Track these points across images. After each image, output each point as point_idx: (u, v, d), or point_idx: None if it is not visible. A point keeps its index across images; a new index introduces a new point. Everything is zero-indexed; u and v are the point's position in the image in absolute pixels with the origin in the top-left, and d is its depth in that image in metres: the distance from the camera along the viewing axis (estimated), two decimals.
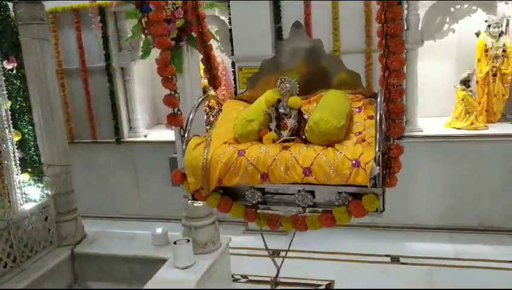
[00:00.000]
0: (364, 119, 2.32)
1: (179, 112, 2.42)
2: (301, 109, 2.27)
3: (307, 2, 4.81)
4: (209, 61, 2.85)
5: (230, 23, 5.07)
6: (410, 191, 4.78)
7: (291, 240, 2.45)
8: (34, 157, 4.13)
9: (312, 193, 2.11)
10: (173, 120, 2.44)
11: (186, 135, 2.35)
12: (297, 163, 2.04)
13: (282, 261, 2.48)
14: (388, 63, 1.92)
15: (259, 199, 2.22)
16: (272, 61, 2.57)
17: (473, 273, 4.13)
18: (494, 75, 4.90)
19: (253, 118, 2.28)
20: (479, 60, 4.97)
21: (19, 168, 3.98)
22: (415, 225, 4.99)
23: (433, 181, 4.88)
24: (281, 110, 2.26)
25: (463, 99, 4.92)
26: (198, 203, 2.51)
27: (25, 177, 4.11)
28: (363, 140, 2.14)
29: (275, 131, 2.25)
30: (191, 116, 2.37)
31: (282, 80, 2.27)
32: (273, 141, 2.19)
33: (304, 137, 2.19)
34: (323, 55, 2.51)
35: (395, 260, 4.51)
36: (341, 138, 2.15)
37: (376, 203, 1.96)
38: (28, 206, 3.97)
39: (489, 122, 4.98)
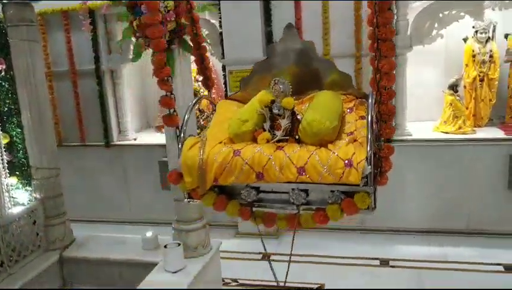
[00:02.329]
0: (356, 120, 2.36)
1: (175, 113, 2.44)
2: (294, 110, 2.31)
3: (297, 6, 4.84)
4: (203, 63, 2.89)
5: (220, 26, 5.08)
6: (399, 195, 4.82)
7: (292, 244, 2.47)
8: (23, 160, 4.09)
9: (306, 191, 2.15)
10: (169, 121, 2.47)
11: (182, 135, 2.38)
12: (291, 163, 2.08)
13: (288, 266, 2.54)
14: (379, 66, 1.98)
15: (254, 198, 2.25)
16: (265, 63, 2.62)
17: (461, 275, 4.18)
18: (482, 80, 4.97)
19: (248, 119, 2.32)
20: (466, 65, 5.04)
21: (7, 171, 3.94)
22: (404, 228, 5.03)
23: (422, 185, 4.93)
24: (275, 111, 2.30)
25: (451, 104, 4.98)
26: (195, 202, 2.48)
27: (13, 180, 4.06)
28: (355, 140, 2.18)
29: (269, 131, 2.29)
30: (186, 117, 2.41)
31: (276, 81, 2.30)
32: (267, 141, 2.23)
33: (297, 137, 2.23)
34: (315, 57, 2.57)
35: (384, 263, 4.54)
36: (333, 138, 2.19)
37: (368, 201, 2.01)
38: (16, 210, 3.92)
39: (476, 127, 5.06)
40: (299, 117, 2.27)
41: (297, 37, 2.59)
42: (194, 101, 2.58)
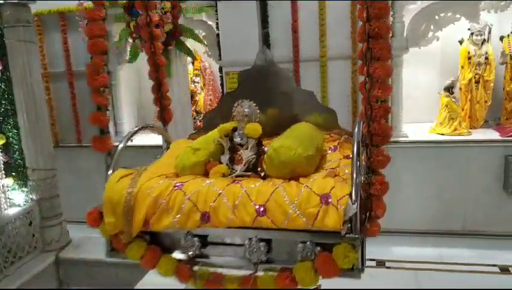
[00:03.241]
0: (340, 159, 1.93)
1: (108, 134, 2.05)
2: (261, 140, 1.87)
3: (294, 7, 4.85)
4: (160, 89, 2.37)
5: (217, 28, 5.08)
6: (395, 196, 4.80)
7: None
8: (19, 161, 4.08)
9: (267, 242, 1.64)
10: (99, 144, 2.02)
11: (112, 167, 1.93)
12: (249, 199, 1.58)
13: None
14: (370, 72, 1.50)
15: (197, 251, 1.73)
16: (233, 94, 2.20)
17: (457, 276, 4.19)
18: (477, 82, 4.99)
19: (200, 147, 1.88)
20: (462, 67, 5.06)
21: (3, 172, 3.93)
22: (400, 229, 5.03)
23: (417, 186, 4.94)
24: (236, 140, 1.86)
25: (447, 106, 5.00)
26: (118, 255, 1.83)
27: (9, 181, 4.05)
28: (336, 175, 1.73)
29: (227, 165, 1.83)
30: (120, 146, 2.02)
31: (240, 102, 1.91)
32: (223, 176, 1.79)
33: (263, 174, 1.77)
34: (294, 88, 2.16)
35: (380, 264, 4.54)
36: (308, 171, 1.72)
37: (352, 257, 1.53)
38: (12, 211, 3.92)
39: (472, 128, 5.08)
40: (266, 149, 1.81)
41: (272, 63, 2.17)
42: (134, 131, 2.19)
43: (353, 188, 1.46)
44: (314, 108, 2.10)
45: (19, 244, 3.84)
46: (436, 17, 4.71)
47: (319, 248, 1.56)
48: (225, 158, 1.84)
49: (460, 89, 5.11)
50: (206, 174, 1.81)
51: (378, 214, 1.57)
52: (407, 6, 4.74)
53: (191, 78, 5.75)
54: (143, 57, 4.31)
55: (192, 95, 5.62)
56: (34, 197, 4.02)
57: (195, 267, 1.76)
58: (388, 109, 1.56)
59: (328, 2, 4.76)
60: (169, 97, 2.45)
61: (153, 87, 2.35)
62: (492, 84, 5.03)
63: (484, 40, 4.96)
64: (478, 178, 4.77)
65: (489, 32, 4.98)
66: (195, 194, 1.64)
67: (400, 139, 4.87)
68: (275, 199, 1.55)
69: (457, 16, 4.67)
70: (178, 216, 1.65)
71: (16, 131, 4.06)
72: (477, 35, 4.92)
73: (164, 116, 2.37)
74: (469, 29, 4.96)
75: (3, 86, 4.01)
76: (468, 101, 5.08)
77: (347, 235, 1.49)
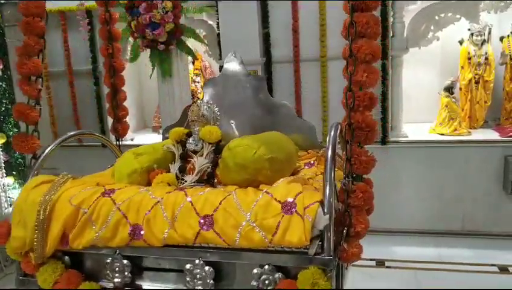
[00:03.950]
0: (316, 174, 1.65)
1: (36, 133, 1.75)
2: (220, 146, 1.57)
3: (294, 6, 4.86)
4: (116, 97, 2.01)
5: (218, 27, 5.09)
6: (395, 196, 4.84)
7: None
8: (19, 160, 4.09)
9: (215, 266, 1.25)
10: (22, 142, 1.68)
11: (34, 171, 1.64)
12: (192, 209, 1.26)
13: None
14: (353, 50, 1.24)
15: (127, 278, 1.37)
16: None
17: (457, 276, 4.20)
18: (477, 82, 5.01)
19: (144, 153, 1.64)
20: (462, 68, 5.07)
21: (4, 171, 3.94)
22: (399, 229, 5.05)
23: (417, 186, 4.95)
24: (190, 147, 1.59)
25: (447, 106, 5.01)
26: (30, 281, 1.43)
27: (10, 180, 4.06)
28: (307, 184, 1.42)
29: (177, 176, 1.54)
30: (48, 150, 1.77)
31: (196, 101, 1.65)
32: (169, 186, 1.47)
33: (219, 187, 1.45)
34: (267, 100, 1.84)
35: (380, 263, 4.56)
36: (272, 179, 1.38)
37: (322, 285, 1.11)
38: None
39: (471, 128, 5.09)
40: None
41: (243, 69, 1.87)
42: (68, 135, 1.86)
43: (326, 193, 1.12)
44: (290, 122, 1.78)
45: None
46: (436, 17, 4.72)
47: (280, 274, 1.18)
48: (175, 167, 1.54)
49: (460, 89, 5.13)
50: (149, 185, 1.51)
51: (359, 230, 1.23)
52: (407, 7, 4.75)
53: (192, 77, 5.75)
54: (144, 57, 4.33)
55: (193, 94, 5.63)
56: None
57: None
58: (374, 98, 1.27)
59: (328, 2, 4.76)
60: (126, 107, 2.07)
61: (108, 95, 1.96)
62: (492, 85, 5.04)
63: (484, 40, 4.97)
64: (478, 178, 4.78)
65: (489, 33, 4.99)
66: (126, 202, 1.32)
67: (400, 139, 4.88)
68: (225, 208, 1.22)
69: (457, 16, 4.68)
70: (103, 229, 1.31)
71: (16, 130, 4.07)
72: (477, 35, 4.93)
73: (117, 128, 1.93)
74: (469, 29, 4.97)
75: (4, 85, 4.02)
76: (468, 102, 5.09)
77: (317, 257, 1.12)
